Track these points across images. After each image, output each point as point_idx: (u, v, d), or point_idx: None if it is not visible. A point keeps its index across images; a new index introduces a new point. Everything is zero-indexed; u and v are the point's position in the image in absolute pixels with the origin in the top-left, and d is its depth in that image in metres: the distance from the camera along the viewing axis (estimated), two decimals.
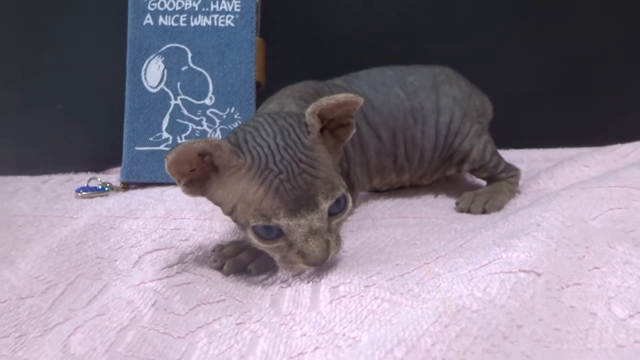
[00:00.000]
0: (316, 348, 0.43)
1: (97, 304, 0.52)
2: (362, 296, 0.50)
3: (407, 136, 0.77)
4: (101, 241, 0.67)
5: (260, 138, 0.55)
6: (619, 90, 1.11)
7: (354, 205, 0.75)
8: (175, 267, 0.58)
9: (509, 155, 1.01)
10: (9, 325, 0.49)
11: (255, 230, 0.54)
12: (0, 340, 0.47)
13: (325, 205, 0.54)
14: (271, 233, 0.54)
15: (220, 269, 0.59)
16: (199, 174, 0.55)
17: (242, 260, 0.60)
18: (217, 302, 0.52)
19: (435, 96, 0.78)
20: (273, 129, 0.56)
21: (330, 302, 0.50)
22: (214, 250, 0.62)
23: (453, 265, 0.55)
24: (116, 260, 0.62)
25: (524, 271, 0.49)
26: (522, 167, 0.96)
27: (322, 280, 0.55)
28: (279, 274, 0.58)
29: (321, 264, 0.54)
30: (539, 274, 0.50)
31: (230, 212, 0.56)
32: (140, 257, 0.63)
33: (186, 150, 0.52)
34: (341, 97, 0.54)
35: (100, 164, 1.11)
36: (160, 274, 0.56)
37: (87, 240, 0.67)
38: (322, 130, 0.58)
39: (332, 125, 0.59)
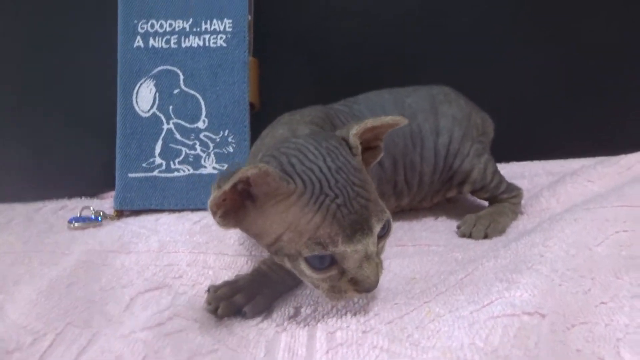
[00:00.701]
0: None
1: (85, 358, 0.50)
2: (359, 345, 0.48)
3: (407, 161, 0.75)
4: (92, 281, 0.65)
5: (308, 161, 0.51)
6: (621, 98, 1.09)
7: None
8: (166, 312, 0.56)
9: (510, 169, 0.99)
10: None
11: (308, 260, 0.50)
12: None
13: (378, 228, 0.52)
14: (324, 262, 0.50)
15: (214, 312, 0.57)
16: (230, 205, 0.51)
17: (237, 303, 0.58)
18: (210, 352, 0.50)
19: (434, 117, 0.76)
20: (320, 150, 0.52)
21: (327, 352, 0.48)
22: (208, 291, 0.60)
23: (454, 304, 0.53)
24: (107, 304, 0.61)
25: (528, 313, 0.48)
26: (524, 182, 0.95)
27: (319, 324, 0.53)
28: (274, 315, 0.57)
29: (374, 289, 0.51)
30: (543, 315, 0.48)
31: (272, 243, 0.52)
32: (131, 299, 0.61)
33: (240, 180, 0.48)
34: (388, 118, 0.53)
35: (94, 188, 1.09)
36: (151, 320, 0.54)
37: (77, 281, 0.65)
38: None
39: (362, 146, 0.56)
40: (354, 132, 0.54)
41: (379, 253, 0.53)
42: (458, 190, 0.78)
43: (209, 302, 0.58)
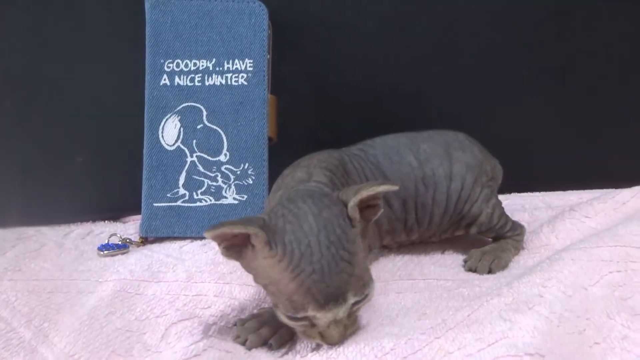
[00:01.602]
0: None
1: None
2: None
3: (418, 202, 0.80)
4: (128, 311, 0.71)
5: (301, 232, 0.56)
6: (619, 134, 1.15)
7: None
8: (201, 343, 0.62)
9: (511, 201, 1.05)
10: None
11: (285, 315, 0.59)
12: None
13: (352, 300, 0.58)
14: (298, 316, 0.58)
15: (243, 344, 0.63)
16: (239, 242, 0.58)
17: (263, 335, 0.64)
18: None
19: (449, 162, 0.81)
20: (317, 222, 0.57)
21: None
22: (235, 325, 0.66)
23: (462, 341, 0.59)
24: (144, 334, 0.66)
25: (529, 354, 0.53)
26: (524, 215, 1.01)
27: (340, 357, 0.59)
28: (298, 347, 0.62)
29: (338, 345, 0.59)
30: (542, 356, 0.53)
31: (262, 285, 0.61)
32: (166, 329, 0.67)
33: (223, 233, 0.56)
34: (381, 188, 0.59)
35: (116, 212, 1.15)
36: (188, 352, 0.60)
37: (115, 311, 0.71)
38: None
39: (361, 207, 0.62)
40: (352, 205, 0.58)
41: (352, 315, 0.60)
42: (465, 230, 0.84)
43: (238, 335, 0.64)
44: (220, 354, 0.61)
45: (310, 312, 0.56)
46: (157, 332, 0.67)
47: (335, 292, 0.56)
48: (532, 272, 0.70)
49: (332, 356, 0.59)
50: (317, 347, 0.62)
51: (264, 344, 0.63)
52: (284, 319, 0.59)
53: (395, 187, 0.60)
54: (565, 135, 1.15)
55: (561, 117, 1.14)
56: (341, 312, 0.57)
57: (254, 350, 0.63)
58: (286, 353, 0.62)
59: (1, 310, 0.72)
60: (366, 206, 0.62)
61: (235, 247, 0.58)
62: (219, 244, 0.58)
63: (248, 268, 0.61)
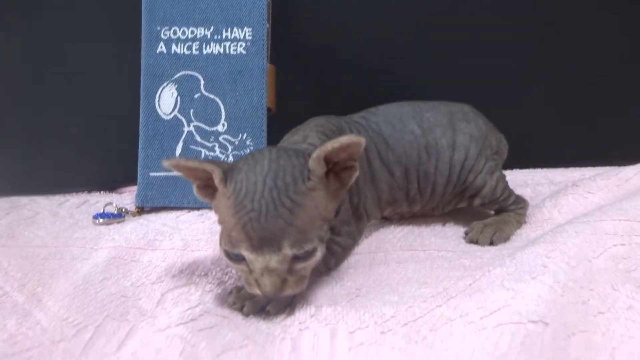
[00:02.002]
0: None
1: (127, 350, 0.54)
2: (379, 345, 0.53)
3: (420, 171, 0.79)
4: (123, 277, 0.70)
5: (252, 173, 0.58)
6: (621, 110, 1.14)
7: (359, 238, 0.77)
8: (197, 308, 0.61)
9: (514, 177, 1.03)
10: None
11: (224, 249, 0.59)
12: None
13: (288, 252, 0.57)
14: (237, 257, 0.58)
15: (240, 310, 0.62)
16: (211, 183, 0.60)
17: (260, 302, 0.62)
18: (241, 347, 0.55)
19: (452, 133, 0.80)
20: (270, 166, 0.58)
21: (349, 350, 0.53)
22: (231, 292, 0.65)
23: (464, 309, 0.58)
24: (140, 299, 0.65)
25: (533, 322, 0.52)
26: (526, 191, 0.99)
27: (339, 324, 0.58)
28: (296, 314, 0.61)
29: (273, 297, 0.59)
30: (546, 324, 0.53)
31: (220, 225, 0.61)
32: (162, 295, 0.66)
33: (177, 164, 0.59)
34: (344, 139, 0.57)
35: (112, 183, 1.13)
36: (184, 316, 0.58)
37: (110, 277, 0.70)
38: (327, 173, 0.61)
39: (338, 168, 0.62)
40: (314, 156, 0.58)
41: (293, 271, 0.58)
42: (469, 202, 0.83)
43: (234, 302, 0.63)
44: (217, 319, 0.59)
45: (244, 252, 0.57)
46: (153, 297, 0.65)
47: (270, 236, 0.56)
48: (535, 243, 0.69)
49: (331, 322, 0.58)
50: (316, 314, 0.61)
51: (261, 310, 0.62)
52: (224, 256, 0.60)
53: (361, 139, 0.57)
54: (568, 112, 1.14)
55: (564, 95, 1.13)
56: (274, 260, 0.56)
57: (251, 316, 0.61)
58: (284, 320, 0.60)
59: None
60: (343, 168, 0.62)
61: (208, 189, 0.61)
62: (193, 182, 0.61)
63: (215, 209, 0.62)
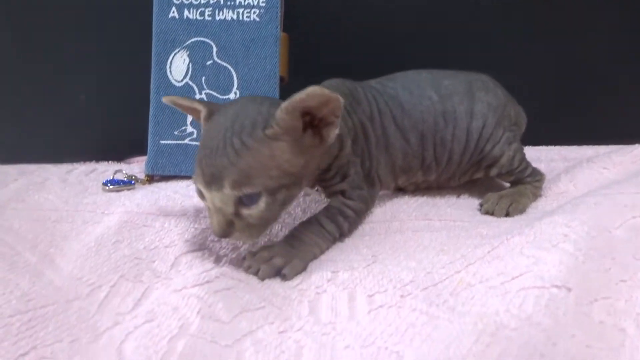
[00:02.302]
0: None
1: (143, 309, 0.54)
2: (399, 307, 0.52)
3: (437, 138, 0.78)
4: (136, 240, 0.69)
5: (223, 114, 0.61)
6: (635, 88, 1.12)
7: (371, 204, 0.76)
8: (213, 271, 0.60)
9: (528, 153, 1.01)
10: (61, 330, 0.51)
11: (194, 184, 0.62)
12: (55, 345, 0.49)
13: (229, 192, 0.58)
14: (199, 192, 0.62)
15: (255, 274, 0.61)
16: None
17: (276, 265, 0.62)
18: (258, 309, 0.54)
19: (470, 101, 0.79)
20: (238, 110, 0.61)
21: (369, 312, 0.52)
22: (244, 258, 0.64)
23: (484, 275, 0.57)
24: (154, 262, 0.64)
25: (556, 286, 0.51)
26: (540, 166, 0.98)
27: (357, 288, 0.57)
28: (313, 278, 0.60)
29: (220, 237, 0.60)
30: (569, 289, 0.52)
31: None
32: (176, 259, 0.65)
33: (172, 101, 0.68)
34: (310, 90, 0.56)
35: (120, 153, 1.12)
36: (200, 278, 0.58)
37: (122, 239, 0.69)
38: (307, 129, 0.61)
39: (322, 125, 0.62)
40: (282, 107, 0.58)
41: (242, 217, 0.59)
42: (485, 172, 0.82)
43: (249, 266, 0.62)
44: (233, 282, 0.59)
45: (200, 186, 0.60)
46: (167, 260, 0.65)
47: (216, 174, 0.58)
48: (554, 214, 0.68)
49: (348, 286, 0.58)
50: (333, 278, 0.60)
51: (277, 274, 0.61)
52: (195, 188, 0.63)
53: (336, 96, 0.56)
54: (581, 88, 1.12)
55: (579, 71, 1.11)
56: (217, 198, 0.58)
57: (267, 280, 0.61)
58: (300, 284, 0.60)
59: (5, 236, 0.70)
60: (327, 124, 0.61)
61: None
62: (197, 119, 0.66)
63: None
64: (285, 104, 0.58)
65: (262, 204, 0.59)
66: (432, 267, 0.60)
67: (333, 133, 0.62)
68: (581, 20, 1.08)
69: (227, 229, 0.59)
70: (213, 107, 0.64)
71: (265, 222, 0.62)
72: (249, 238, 0.62)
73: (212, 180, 0.58)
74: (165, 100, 0.68)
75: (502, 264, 0.58)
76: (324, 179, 0.73)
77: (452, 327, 0.47)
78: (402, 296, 0.54)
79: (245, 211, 0.59)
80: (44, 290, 0.57)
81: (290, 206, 0.66)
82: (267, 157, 0.58)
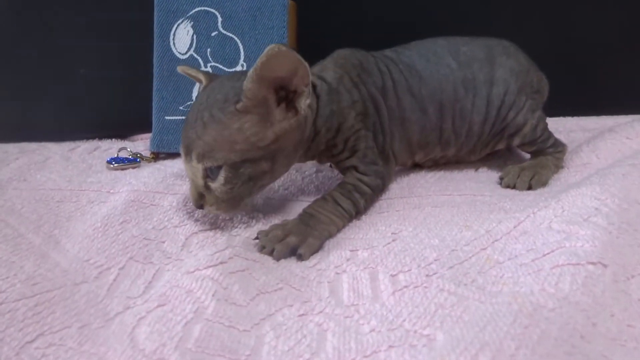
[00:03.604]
0: (390, 346, 0.42)
1: (154, 292, 0.51)
2: (425, 287, 0.50)
3: (456, 108, 0.74)
4: (144, 220, 0.66)
5: (207, 88, 0.63)
6: None
7: (388, 180, 0.74)
8: (226, 251, 0.57)
9: None
10: (69, 315, 0.48)
11: None
12: (63, 331, 0.46)
13: (196, 164, 0.59)
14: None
15: (270, 254, 0.58)
16: None
17: (291, 244, 0.59)
18: (276, 290, 0.51)
19: (490, 67, 0.75)
20: (215, 85, 0.62)
21: (393, 293, 0.49)
22: (256, 238, 0.61)
23: (512, 252, 0.54)
24: (163, 242, 0.61)
25: (592, 263, 0.48)
26: (560, 137, 0.94)
27: (379, 267, 0.54)
28: (331, 258, 0.58)
29: (195, 207, 0.62)
30: (605, 265, 0.49)
31: None
32: (187, 239, 0.62)
33: (183, 70, 0.72)
34: (267, 49, 0.54)
35: (124, 130, 1.09)
36: (213, 259, 0.55)
37: (130, 219, 0.66)
38: (281, 103, 0.59)
39: (296, 97, 0.60)
40: (248, 76, 0.56)
41: (210, 190, 0.60)
42: (507, 142, 0.78)
43: (263, 246, 0.59)
44: (248, 263, 0.56)
45: (180, 151, 0.62)
46: (177, 241, 0.62)
47: (188, 145, 0.60)
48: (581, 185, 0.65)
49: (369, 266, 0.55)
50: (352, 257, 0.57)
51: (293, 253, 0.59)
52: None
53: (283, 48, 0.54)
54: (600, 58, 1.08)
55: (595, 39, 1.07)
56: (189, 170, 0.61)
57: (282, 261, 0.58)
58: (318, 263, 0.57)
59: (7, 216, 0.67)
60: (298, 96, 0.59)
61: None
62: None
63: None
64: (250, 72, 0.56)
65: (221, 177, 0.59)
66: (456, 244, 0.57)
67: (304, 103, 0.60)
68: None
69: (198, 200, 0.61)
70: (213, 78, 0.65)
71: (232, 197, 0.61)
72: (222, 211, 0.62)
73: (186, 152, 0.60)
74: (179, 69, 0.72)
75: (531, 239, 0.56)
76: (333, 155, 0.70)
77: (485, 308, 0.44)
78: (427, 275, 0.51)
79: (211, 184, 0.60)
80: (49, 273, 0.54)
81: (267, 183, 0.64)
82: (235, 131, 0.58)
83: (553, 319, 0.41)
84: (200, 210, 0.67)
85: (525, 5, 1.04)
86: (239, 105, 0.58)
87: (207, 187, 0.60)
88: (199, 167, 0.59)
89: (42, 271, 0.55)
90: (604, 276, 0.48)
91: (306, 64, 0.56)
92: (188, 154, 0.60)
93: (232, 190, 0.60)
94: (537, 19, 1.05)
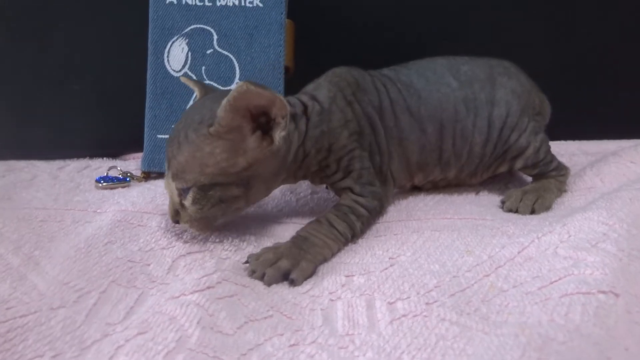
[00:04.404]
0: None
1: (135, 318, 0.48)
2: (425, 316, 0.46)
3: (457, 128, 0.72)
4: (130, 241, 0.63)
5: (192, 105, 0.63)
6: None
7: (386, 202, 0.71)
8: (214, 275, 0.54)
9: None
10: (42, 342, 0.45)
11: None
12: None
13: (171, 181, 0.60)
14: None
15: (261, 279, 0.55)
16: None
17: (282, 268, 0.56)
18: (265, 318, 0.48)
19: (491, 87, 0.73)
20: (198, 104, 0.62)
21: (391, 323, 0.46)
22: (246, 262, 0.58)
23: (517, 279, 0.51)
24: (149, 265, 0.58)
25: (603, 292, 0.45)
26: (562, 160, 0.92)
27: (376, 294, 0.51)
28: (325, 283, 0.54)
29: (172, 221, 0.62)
30: (617, 295, 0.46)
31: None
32: (173, 262, 0.59)
33: (187, 82, 0.71)
34: (237, 86, 0.53)
35: (115, 149, 1.06)
36: (200, 283, 0.51)
37: (115, 240, 0.63)
38: (258, 130, 0.58)
39: (274, 127, 0.58)
40: (221, 104, 0.55)
41: (184, 207, 0.60)
42: (510, 165, 0.76)
43: (254, 270, 0.56)
44: (237, 288, 0.53)
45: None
46: (164, 263, 0.59)
47: (167, 161, 0.60)
48: (587, 210, 0.62)
49: (365, 292, 0.52)
50: (347, 283, 0.54)
51: (285, 278, 0.55)
52: None
53: (251, 87, 0.53)
54: (600, 83, 1.07)
55: (597, 64, 1.06)
56: (167, 184, 0.61)
57: (274, 286, 0.55)
58: (311, 289, 0.54)
59: None
60: (276, 125, 0.58)
61: None
62: None
63: None
64: (224, 102, 0.55)
65: (189, 197, 0.59)
66: (458, 271, 0.54)
67: (279, 135, 0.58)
68: (600, 12, 1.03)
69: (174, 216, 0.61)
70: (207, 92, 0.66)
71: (204, 217, 0.60)
72: (195, 229, 0.62)
73: (167, 168, 0.61)
74: (181, 79, 0.72)
75: (536, 265, 0.53)
76: (327, 175, 0.68)
77: (490, 339, 0.41)
78: (427, 303, 0.48)
79: (183, 201, 0.60)
80: (25, 297, 0.51)
81: (242, 206, 0.63)
82: (206, 154, 0.57)
83: (564, 353, 0.38)
84: (191, 231, 0.64)
85: (526, 27, 1.03)
86: (211, 129, 0.57)
87: (182, 204, 0.60)
88: (173, 185, 0.60)
89: (18, 294, 0.51)
90: (616, 306, 0.45)
91: (281, 98, 0.55)
92: (167, 170, 0.61)
93: (201, 211, 0.59)
94: (538, 41, 1.04)
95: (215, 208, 0.60)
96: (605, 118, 1.07)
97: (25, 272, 0.56)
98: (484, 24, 1.02)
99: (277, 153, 0.60)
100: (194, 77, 0.89)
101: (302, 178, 0.69)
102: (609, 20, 1.03)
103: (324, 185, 0.81)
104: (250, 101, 0.55)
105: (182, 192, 0.59)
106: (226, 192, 0.59)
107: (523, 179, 0.84)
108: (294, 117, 0.64)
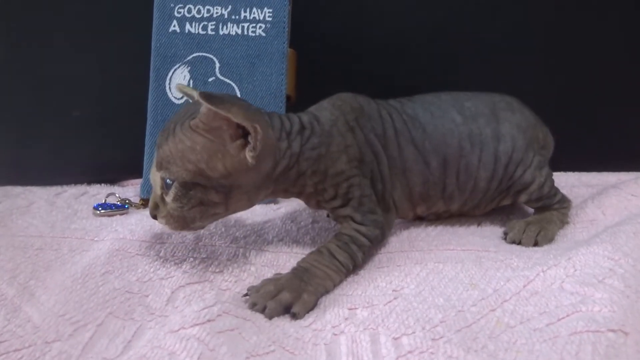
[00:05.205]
0: None
1: (133, 353, 0.46)
2: (432, 353, 0.45)
3: (461, 164, 0.72)
4: (128, 271, 0.62)
5: (184, 109, 0.63)
6: None
7: (388, 231, 0.71)
8: (214, 308, 0.52)
9: None
10: None
11: None
12: None
13: (155, 171, 0.60)
14: None
15: (262, 312, 0.54)
16: None
17: (284, 301, 0.55)
18: (267, 353, 0.47)
19: (496, 123, 0.73)
20: (191, 105, 0.63)
21: (397, 359, 0.45)
22: (246, 295, 0.57)
23: (523, 314, 0.50)
24: (147, 296, 0.57)
25: (612, 330, 0.45)
26: (563, 192, 0.92)
27: (380, 328, 0.50)
28: (327, 317, 0.53)
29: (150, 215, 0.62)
30: (626, 334, 0.45)
31: None
32: (173, 292, 0.58)
33: (183, 92, 0.71)
34: (206, 102, 0.54)
35: (113, 175, 1.05)
36: (200, 316, 0.50)
37: (112, 270, 0.62)
38: (240, 139, 0.58)
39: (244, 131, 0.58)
40: (203, 106, 0.56)
41: (165, 201, 0.60)
42: (513, 199, 0.76)
43: (254, 303, 0.55)
44: (238, 321, 0.51)
45: None
46: (162, 295, 0.57)
47: (156, 150, 0.61)
48: (591, 244, 0.61)
49: (369, 326, 0.51)
50: (350, 317, 0.53)
51: (286, 311, 0.54)
52: None
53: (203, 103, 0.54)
54: (600, 113, 1.07)
55: (594, 95, 1.06)
56: (152, 173, 0.61)
57: (275, 319, 0.53)
58: (314, 322, 0.52)
59: None
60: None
61: None
62: None
63: None
64: (205, 107, 0.56)
65: (171, 192, 0.59)
66: (463, 305, 0.53)
67: (247, 153, 0.58)
68: (597, 41, 1.04)
69: (153, 210, 0.61)
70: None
71: (182, 216, 0.60)
72: (170, 227, 0.61)
73: (155, 157, 0.61)
74: (177, 88, 0.71)
75: (543, 301, 0.52)
76: (325, 200, 0.67)
77: None
78: (433, 339, 0.47)
79: (165, 197, 0.60)
80: (19, 330, 0.50)
81: (221, 214, 0.62)
82: (189, 149, 0.58)
83: None
84: (188, 261, 0.63)
85: (526, 61, 1.04)
86: (192, 122, 0.57)
87: (162, 199, 0.60)
88: (157, 175, 0.60)
89: (12, 327, 0.50)
90: (625, 345, 0.44)
91: (258, 126, 0.56)
92: (155, 158, 0.61)
93: (181, 210, 0.59)
94: (538, 74, 1.05)
95: (195, 209, 0.59)
96: (603, 149, 1.08)
97: (19, 303, 0.55)
98: (486, 54, 1.02)
99: (257, 168, 0.60)
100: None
101: (296, 196, 0.68)
102: (608, 52, 1.04)
103: (325, 213, 0.80)
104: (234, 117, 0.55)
105: (165, 186, 0.59)
106: (206, 195, 0.59)
107: (525, 210, 0.84)
108: (288, 135, 0.64)
